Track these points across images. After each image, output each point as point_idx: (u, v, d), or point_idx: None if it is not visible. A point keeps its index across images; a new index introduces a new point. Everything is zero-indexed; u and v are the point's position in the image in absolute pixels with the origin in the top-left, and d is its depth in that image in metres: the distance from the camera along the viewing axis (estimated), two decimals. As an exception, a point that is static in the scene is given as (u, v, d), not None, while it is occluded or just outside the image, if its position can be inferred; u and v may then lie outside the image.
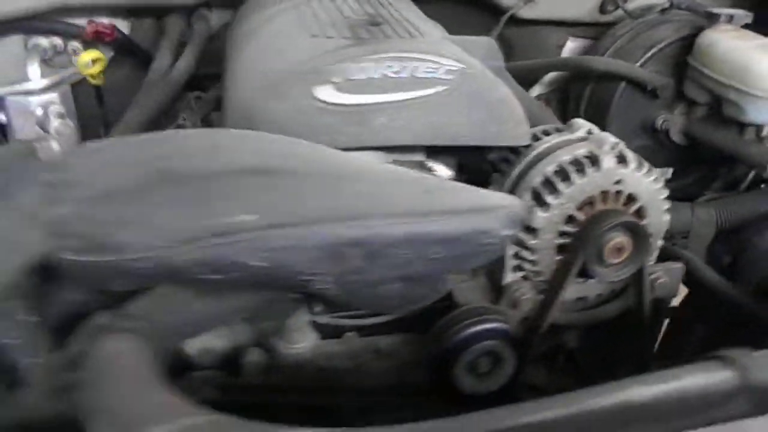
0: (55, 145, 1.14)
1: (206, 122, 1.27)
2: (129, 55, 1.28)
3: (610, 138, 0.88)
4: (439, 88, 0.86)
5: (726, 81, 1.17)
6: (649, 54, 1.28)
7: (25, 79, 1.24)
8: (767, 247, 1.23)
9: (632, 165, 0.87)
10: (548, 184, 0.87)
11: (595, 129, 0.93)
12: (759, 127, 1.18)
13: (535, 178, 0.88)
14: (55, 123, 1.22)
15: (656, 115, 1.31)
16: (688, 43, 1.26)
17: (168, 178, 0.62)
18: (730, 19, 1.21)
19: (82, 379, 0.59)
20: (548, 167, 0.88)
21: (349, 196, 0.62)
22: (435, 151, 0.94)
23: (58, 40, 1.28)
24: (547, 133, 0.93)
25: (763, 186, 1.29)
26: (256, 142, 0.68)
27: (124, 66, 1.29)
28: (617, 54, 1.32)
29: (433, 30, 1.03)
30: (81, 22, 1.28)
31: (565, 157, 0.88)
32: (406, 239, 0.59)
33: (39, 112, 1.25)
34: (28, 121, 1.25)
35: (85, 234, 0.58)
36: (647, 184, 0.89)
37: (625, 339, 0.97)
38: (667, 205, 0.91)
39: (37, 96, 1.24)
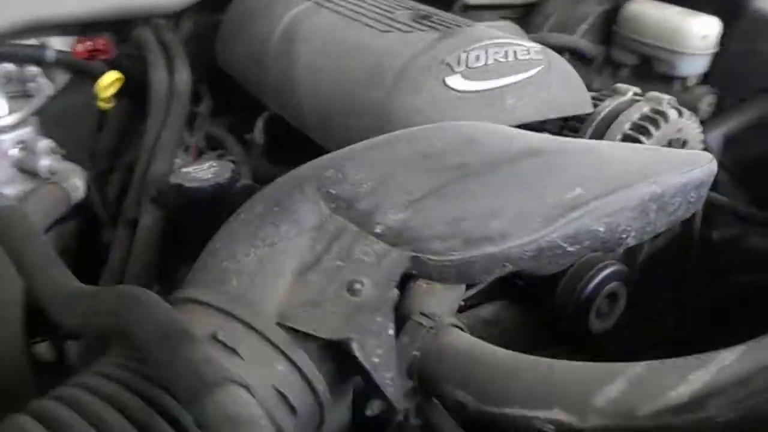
0: (79, 183, 1.00)
1: (210, 138, 1.19)
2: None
3: (664, 96, 1.04)
4: (538, 68, 0.95)
5: (657, 43, 1.40)
6: (584, 26, 1.47)
7: (-12, 115, 1.06)
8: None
9: (686, 114, 1.04)
10: (629, 139, 1.00)
11: (639, 90, 1.08)
12: (684, 80, 1.43)
13: (616, 137, 1.00)
14: (45, 161, 1.06)
15: (590, 79, 1.51)
16: (610, 15, 1.48)
17: (471, 171, 0.63)
18: (647, -8, 1.45)
19: (451, 377, 0.58)
20: (625, 125, 1.01)
21: (618, 161, 0.68)
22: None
23: (10, 67, 1.11)
24: (599, 99, 1.06)
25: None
26: (494, 131, 0.71)
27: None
28: (553, 29, 1.49)
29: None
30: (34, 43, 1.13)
31: (635, 115, 1.01)
32: (681, 188, 0.68)
33: (14, 151, 1.08)
34: (0, 164, 1.07)
35: (444, 234, 0.57)
36: (694, 129, 1.06)
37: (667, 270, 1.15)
38: (702, 145, 1.10)
39: (8, 134, 1.07)
